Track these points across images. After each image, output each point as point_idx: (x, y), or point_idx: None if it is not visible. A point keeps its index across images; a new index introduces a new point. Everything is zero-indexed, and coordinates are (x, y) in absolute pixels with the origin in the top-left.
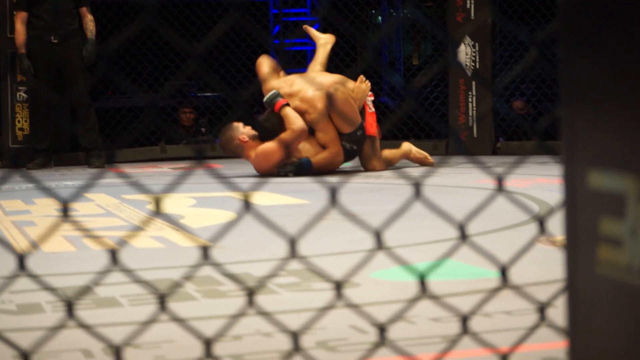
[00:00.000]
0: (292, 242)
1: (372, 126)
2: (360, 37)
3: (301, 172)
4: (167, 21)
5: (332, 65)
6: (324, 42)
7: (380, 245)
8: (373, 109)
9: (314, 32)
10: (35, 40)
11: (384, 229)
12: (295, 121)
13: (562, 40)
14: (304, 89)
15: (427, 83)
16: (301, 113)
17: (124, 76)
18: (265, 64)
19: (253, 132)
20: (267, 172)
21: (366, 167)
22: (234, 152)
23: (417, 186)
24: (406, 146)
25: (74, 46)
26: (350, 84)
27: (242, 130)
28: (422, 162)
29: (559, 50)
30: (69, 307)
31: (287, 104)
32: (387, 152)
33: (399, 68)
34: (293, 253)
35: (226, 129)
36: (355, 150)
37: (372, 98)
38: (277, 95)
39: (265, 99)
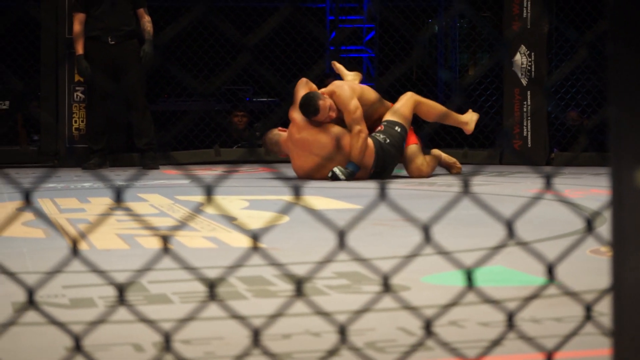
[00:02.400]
0: (342, 235)
1: (413, 138)
2: (413, 35)
3: (351, 178)
4: (220, 22)
5: (386, 70)
6: (352, 79)
7: (427, 239)
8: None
9: (340, 68)
10: (93, 42)
11: (433, 223)
12: None
13: (610, 37)
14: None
15: (482, 92)
16: (329, 94)
17: (179, 74)
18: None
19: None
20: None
21: (410, 174)
22: (276, 150)
23: (466, 184)
24: (436, 152)
25: (130, 47)
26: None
27: (276, 131)
28: (450, 167)
29: (607, 48)
30: (120, 292)
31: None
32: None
33: (455, 77)
34: (342, 245)
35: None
36: (390, 145)
37: None
38: None
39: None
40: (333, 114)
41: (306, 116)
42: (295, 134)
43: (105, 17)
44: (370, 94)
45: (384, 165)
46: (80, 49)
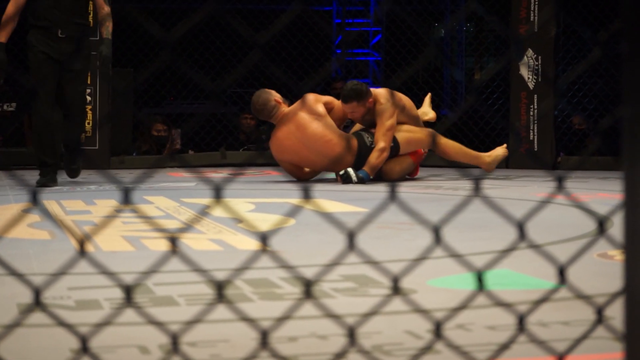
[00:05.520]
0: (351, 236)
1: (415, 154)
2: (424, 31)
3: (361, 183)
4: (231, 19)
5: (393, 73)
6: (422, 113)
7: (438, 240)
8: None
9: (428, 102)
10: (40, 32)
11: (444, 224)
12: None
13: (625, 36)
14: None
15: (488, 95)
16: (374, 98)
17: (192, 73)
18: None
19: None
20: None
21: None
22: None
23: (477, 186)
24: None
25: (83, 45)
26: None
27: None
28: None
29: (622, 47)
30: (128, 293)
31: None
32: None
33: (460, 81)
34: (351, 246)
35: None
36: (370, 150)
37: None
38: None
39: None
40: (357, 116)
41: (350, 94)
42: (297, 109)
43: (56, 5)
44: (412, 111)
45: (358, 168)
46: (3, 37)
